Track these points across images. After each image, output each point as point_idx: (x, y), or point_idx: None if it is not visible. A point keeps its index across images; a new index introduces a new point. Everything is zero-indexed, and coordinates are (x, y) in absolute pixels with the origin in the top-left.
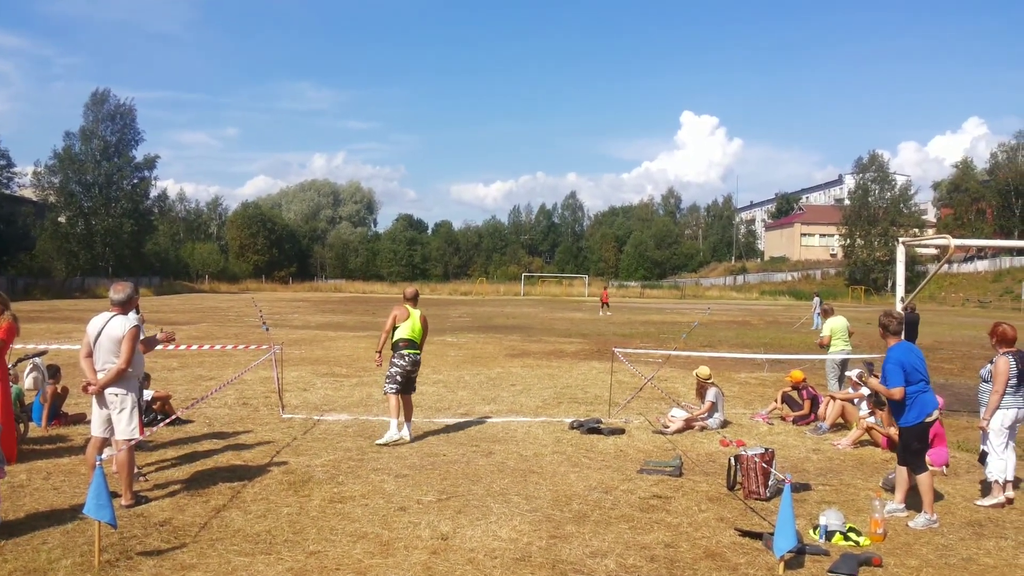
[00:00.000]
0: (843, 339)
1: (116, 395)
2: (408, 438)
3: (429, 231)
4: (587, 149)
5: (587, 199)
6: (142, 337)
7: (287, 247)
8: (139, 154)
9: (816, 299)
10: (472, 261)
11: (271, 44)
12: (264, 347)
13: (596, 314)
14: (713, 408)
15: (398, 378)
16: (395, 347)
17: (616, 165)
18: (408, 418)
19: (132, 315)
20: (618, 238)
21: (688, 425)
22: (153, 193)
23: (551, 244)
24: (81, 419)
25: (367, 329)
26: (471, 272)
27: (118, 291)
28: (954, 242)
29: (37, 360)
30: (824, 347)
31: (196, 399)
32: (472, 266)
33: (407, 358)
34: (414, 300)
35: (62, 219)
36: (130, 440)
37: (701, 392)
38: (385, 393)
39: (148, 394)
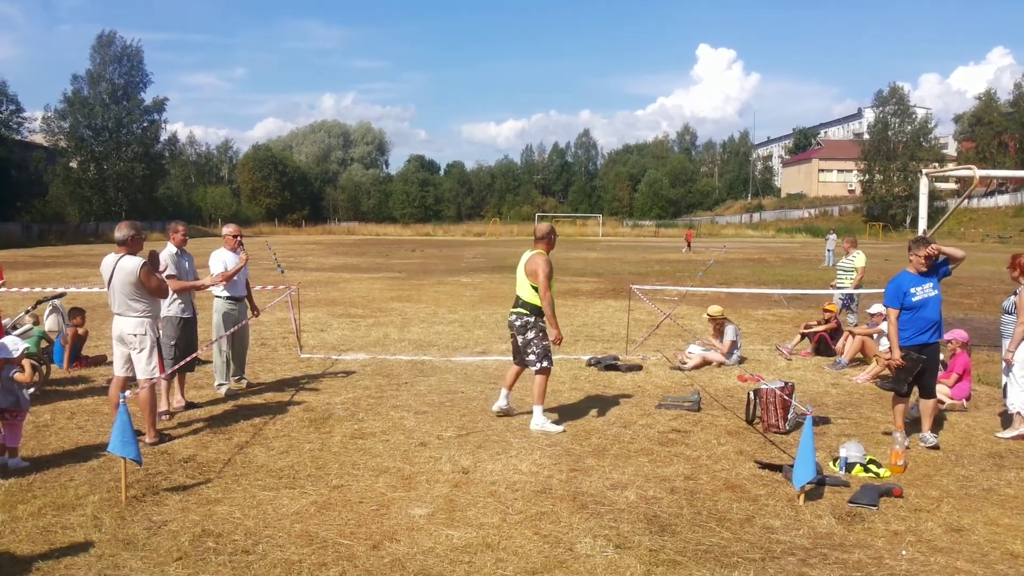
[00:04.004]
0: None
1: (135, 335)
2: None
3: (441, 172)
4: (601, 86)
5: (601, 137)
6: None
7: (299, 189)
8: (148, 97)
9: (831, 235)
10: (485, 202)
11: None
12: (281, 287)
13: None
14: (733, 346)
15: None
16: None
17: (630, 102)
18: (509, 386)
19: (140, 256)
20: (632, 176)
21: (705, 361)
22: (163, 136)
23: (564, 184)
24: (102, 360)
25: (381, 271)
26: (484, 213)
27: (120, 230)
28: (979, 173)
29: (57, 302)
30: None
31: (214, 339)
32: (485, 207)
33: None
34: (542, 241)
35: (73, 164)
36: (151, 379)
37: (718, 331)
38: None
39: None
